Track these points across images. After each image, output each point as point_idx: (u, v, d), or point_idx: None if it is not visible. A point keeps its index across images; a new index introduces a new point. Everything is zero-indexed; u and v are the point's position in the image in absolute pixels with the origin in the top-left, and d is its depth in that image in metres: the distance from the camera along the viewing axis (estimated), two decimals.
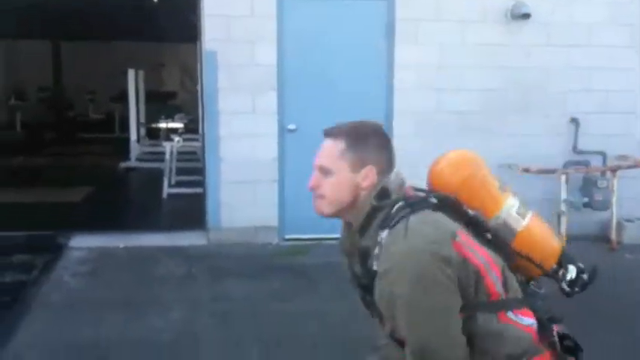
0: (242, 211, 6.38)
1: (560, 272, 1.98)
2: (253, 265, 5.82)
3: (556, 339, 1.88)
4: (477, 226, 1.88)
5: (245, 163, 6.35)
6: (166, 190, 8.60)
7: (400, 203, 1.81)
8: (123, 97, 13.48)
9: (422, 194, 1.91)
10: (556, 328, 1.91)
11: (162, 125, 11.10)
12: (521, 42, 6.49)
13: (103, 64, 17.49)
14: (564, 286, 1.98)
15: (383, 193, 1.84)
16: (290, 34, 6.40)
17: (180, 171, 9.20)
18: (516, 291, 1.86)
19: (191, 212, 7.00)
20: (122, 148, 11.95)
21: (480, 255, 1.78)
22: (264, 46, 6.34)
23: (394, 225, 1.77)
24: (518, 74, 6.57)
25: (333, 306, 4.71)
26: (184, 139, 9.51)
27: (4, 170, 10.90)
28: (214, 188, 6.43)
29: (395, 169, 1.91)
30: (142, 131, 12.00)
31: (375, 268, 1.79)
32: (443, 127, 6.40)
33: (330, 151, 1.87)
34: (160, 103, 15.64)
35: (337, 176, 1.85)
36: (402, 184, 1.89)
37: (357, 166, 1.85)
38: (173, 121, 10.97)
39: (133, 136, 11.45)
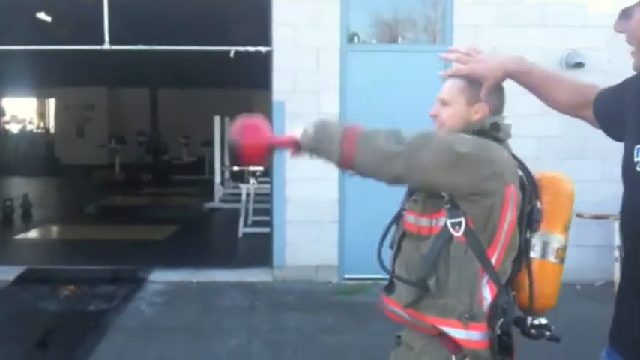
0: (305, 250, 6.81)
1: (533, 318, 2.14)
2: (311, 300, 6.22)
3: (498, 325, 2.03)
4: (529, 216, 2.12)
5: (308, 205, 6.80)
6: (242, 230, 9.17)
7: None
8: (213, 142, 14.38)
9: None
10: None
11: (244, 168, 11.75)
12: None
13: (197, 111, 18.58)
14: (529, 326, 2.12)
15: (495, 127, 2.14)
16: (352, 85, 6.88)
17: (256, 212, 9.76)
18: (504, 273, 2.08)
19: (260, 250, 7.50)
20: (209, 189, 12.76)
21: (512, 213, 2.05)
22: (328, 96, 6.83)
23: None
24: (575, 121, 6.72)
25: (380, 340, 4.97)
26: (262, 182, 10.06)
27: (102, 209, 11.90)
28: (280, 228, 6.91)
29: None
30: (226, 174, 12.74)
31: None
32: None
33: (452, 86, 2.22)
34: None
35: (454, 107, 2.19)
36: (510, 129, 2.17)
37: (472, 101, 2.18)
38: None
39: (217, 179, 12.22)
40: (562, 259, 2.15)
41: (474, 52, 2.20)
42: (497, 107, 2.22)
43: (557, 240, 2.14)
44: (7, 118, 24.90)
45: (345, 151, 2.00)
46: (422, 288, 2.05)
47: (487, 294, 2.05)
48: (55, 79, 17.45)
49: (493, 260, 2.05)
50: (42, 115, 25.56)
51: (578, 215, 6.52)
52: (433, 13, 7.27)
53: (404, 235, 2.19)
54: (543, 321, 2.14)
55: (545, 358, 4.21)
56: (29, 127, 25.34)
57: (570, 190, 2.19)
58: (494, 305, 2.05)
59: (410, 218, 2.17)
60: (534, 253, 2.13)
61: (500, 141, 2.15)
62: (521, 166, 2.17)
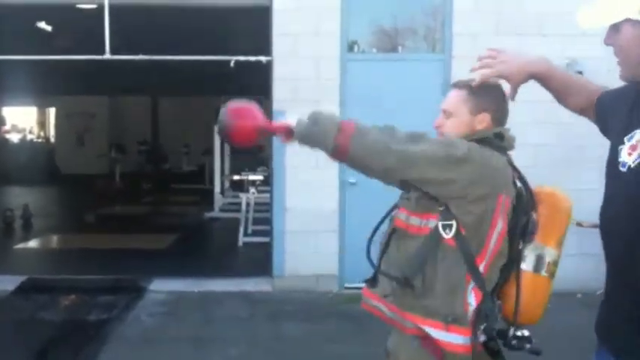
0: (305, 259, 6.80)
1: (515, 329, 2.16)
2: (312, 310, 6.21)
3: (481, 330, 2.07)
4: (524, 227, 2.14)
5: (308, 215, 6.79)
6: (242, 239, 9.17)
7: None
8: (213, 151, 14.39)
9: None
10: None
11: (244, 177, 11.74)
12: None
13: (197, 120, 18.60)
14: (510, 336, 2.14)
15: (499, 136, 2.19)
16: (352, 93, 6.89)
17: (257, 221, 9.75)
18: (490, 280, 2.11)
19: (261, 260, 7.49)
20: (209, 198, 12.76)
21: (503, 221, 2.08)
22: (328, 105, 6.79)
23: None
24: (572, 129, 6.73)
25: (380, 350, 5.01)
26: (262, 191, 10.06)
27: (102, 218, 11.89)
28: (280, 237, 6.90)
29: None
30: (226, 183, 12.75)
31: None
32: None
33: (454, 97, 2.26)
34: (249, 155, 16.42)
35: (458, 118, 2.23)
36: (513, 140, 2.24)
37: (476, 111, 2.22)
38: (254, 173, 11.58)
39: (217, 188, 12.22)
40: (552, 274, 2.17)
41: (496, 53, 2.19)
42: (501, 118, 2.24)
43: (550, 254, 2.15)
44: (7, 127, 24.89)
45: (340, 144, 2.05)
46: (407, 286, 2.07)
47: (472, 300, 2.07)
48: (55, 89, 17.47)
49: (481, 267, 2.07)
50: (42, 125, 25.55)
51: (578, 224, 6.51)
52: (433, 22, 7.29)
53: (394, 231, 2.21)
54: (526, 333, 2.16)
55: None
56: (29, 137, 25.32)
57: (568, 207, 2.23)
58: (478, 311, 2.06)
59: (401, 215, 2.20)
60: (526, 266, 2.14)
61: (502, 151, 2.16)
62: (520, 177, 2.19)
